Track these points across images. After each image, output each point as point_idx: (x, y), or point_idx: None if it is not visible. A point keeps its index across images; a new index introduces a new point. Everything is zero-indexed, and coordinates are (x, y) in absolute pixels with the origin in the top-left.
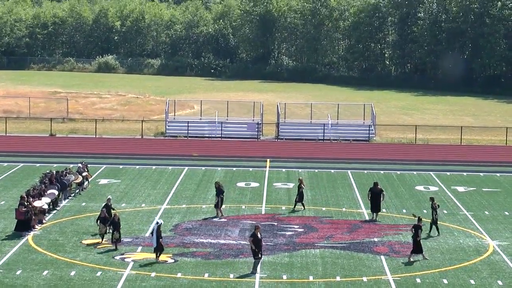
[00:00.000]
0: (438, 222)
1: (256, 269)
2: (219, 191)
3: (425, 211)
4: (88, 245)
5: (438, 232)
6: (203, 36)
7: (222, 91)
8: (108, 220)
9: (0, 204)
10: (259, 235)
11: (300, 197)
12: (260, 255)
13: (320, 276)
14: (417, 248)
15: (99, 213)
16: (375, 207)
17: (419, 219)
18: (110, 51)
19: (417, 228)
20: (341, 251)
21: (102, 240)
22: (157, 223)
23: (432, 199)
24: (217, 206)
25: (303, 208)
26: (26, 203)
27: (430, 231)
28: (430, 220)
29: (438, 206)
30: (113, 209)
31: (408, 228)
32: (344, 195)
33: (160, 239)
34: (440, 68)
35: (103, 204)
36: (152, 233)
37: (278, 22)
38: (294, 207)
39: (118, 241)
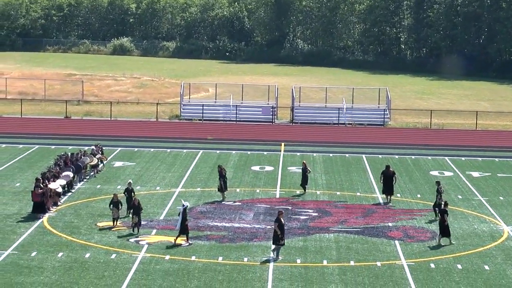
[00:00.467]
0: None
1: (278, 254)
2: (220, 175)
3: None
4: (100, 229)
5: (436, 215)
6: (218, 19)
7: (237, 75)
8: (121, 204)
9: (15, 186)
10: (282, 221)
11: (304, 181)
12: (283, 241)
13: (334, 260)
14: (445, 232)
15: (112, 197)
16: (388, 189)
17: (445, 204)
18: (125, 33)
19: (442, 213)
20: (355, 236)
21: (115, 223)
22: (183, 205)
23: (438, 183)
24: (221, 189)
25: (303, 191)
26: (41, 185)
27: (436, 215)
28: (433, 204)
29: (443, 191)
30: (121, 203)
31: (422, 213)
32: (358, 179)
33: (186, 222)
34: (455, 52)
35: (124, 188)
36: (178, 214)
37: (293, 5)
38: (305, 190)
39: (138, 225)
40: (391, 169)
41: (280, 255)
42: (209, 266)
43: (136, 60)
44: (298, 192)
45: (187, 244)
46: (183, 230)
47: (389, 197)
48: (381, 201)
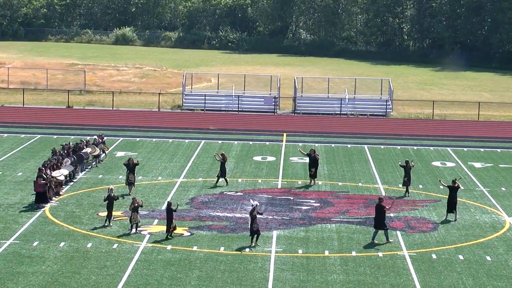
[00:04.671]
0: (408, 184)
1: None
2: (128, 167)
3: (441, 187)
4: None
5: (407, 194)
6: (220, 8)
7: (239, 65)
8: (141, 206)
9: (17, 175)
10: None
11: (222, 172)
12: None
13: (336, 251)
14: (449, 208)
15: (131, 201)
16: (315, 173)
17: (453, 181)
18: (128, 23)
19: (450, 189)
20: (357, 226)
21: (135, 230)
22: (252, 205)
23: (407, 162)
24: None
25: (225, 183)
26: (44, 175)
27: (407, 192)
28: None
29: (413, 165)
30: (141, 205)
31: (424, 204)
32: (360, 170)
33: (254, 224)
34: (458, 43)
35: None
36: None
37: None
38: (217, 182)
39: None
40: (316, 153)
41: (280, 245)
42: (211, 256)
43: (138, 50)
44: (300, 182)
45: (253, 245)
46: (253, 231)
47: (314, 180)
48: (383, 192)
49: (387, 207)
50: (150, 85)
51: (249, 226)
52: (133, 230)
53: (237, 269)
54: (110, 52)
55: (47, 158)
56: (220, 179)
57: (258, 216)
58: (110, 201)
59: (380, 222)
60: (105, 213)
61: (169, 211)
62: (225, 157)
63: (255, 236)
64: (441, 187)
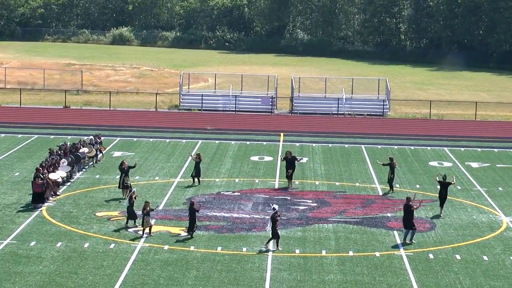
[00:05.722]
0: (393, 182)
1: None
2: (122, 171)
3: (438, 186)
4: (100, 219)
5: (392, 190)
6: (217, 8)
7: (237, 65)
8: (152, 210)
9: (14, 175)
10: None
11: (197, 172)
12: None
13: (333, 250)
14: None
15: (143, 205)
16: (291, 174)
17: (443, 177)
18: (125, 23)
19: (441, 185)
20: (354, 226)
21: (147, 233)
22: (274, 209)
23: (391, 159)
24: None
25: (197, 183)
26: (42, 175)
27: (391, 190)
28: (387, 179)
29: (396, 166)
30: (152, 209)
31: (421, 204)
32: (357, 170)
33: (276, 228)
34: (455, 43)
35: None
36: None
37: None
38: (194, 182)
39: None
40: (292, 155)
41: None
42: (208, 256)
43: (135, 50)
44: (297, 182)
45: (277, 249)
46: (275, 235)
47: (291, 182)
48: (380, 192)
49: (414, 206)
50: (147, 85)
51: (270, 229)
52: (145, 234)
53: (234, 269)
54: (107, 52)
55: (45, 158)
56: (195, 179)
57: (259, 217)
58: (131, 204)
59: (408, 222)
60: (102, 213)
61: (192, 210)
62: (201, 157)
63: (276, 239)
64: (438, 186)
